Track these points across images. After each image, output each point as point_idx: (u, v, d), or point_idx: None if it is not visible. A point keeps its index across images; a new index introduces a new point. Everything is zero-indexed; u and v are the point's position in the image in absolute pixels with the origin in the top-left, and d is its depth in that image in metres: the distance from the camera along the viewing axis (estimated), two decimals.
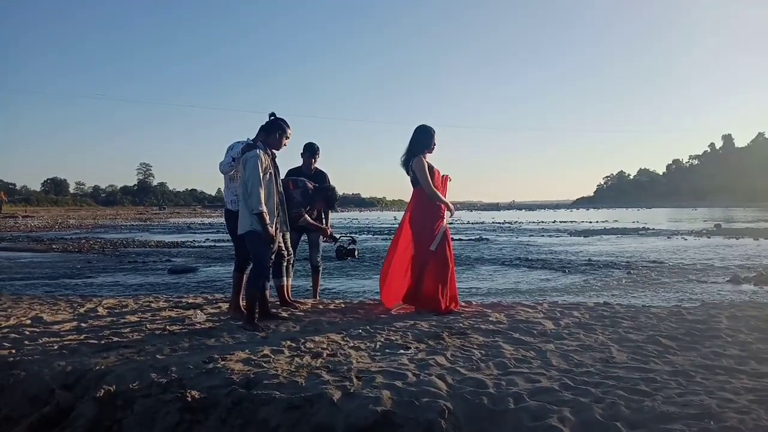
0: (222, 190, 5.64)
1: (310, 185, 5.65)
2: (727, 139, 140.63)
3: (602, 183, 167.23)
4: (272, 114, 4.92)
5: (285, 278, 5.66)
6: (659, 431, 2.65)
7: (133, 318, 5.33)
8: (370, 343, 4.18)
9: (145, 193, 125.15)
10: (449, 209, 5.47)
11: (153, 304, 6.13)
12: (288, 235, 5.51)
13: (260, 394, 3.17)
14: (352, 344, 4.16)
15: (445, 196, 5.49)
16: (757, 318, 5.03)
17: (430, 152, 5.49)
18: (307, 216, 5.68)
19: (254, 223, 4.62)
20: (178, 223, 39.61)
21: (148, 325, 4.92)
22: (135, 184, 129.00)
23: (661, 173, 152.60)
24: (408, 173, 5.50)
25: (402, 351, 3.96)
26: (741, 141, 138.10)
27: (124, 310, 5.81)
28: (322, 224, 5.95)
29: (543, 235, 23.48)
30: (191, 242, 20.35)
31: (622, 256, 13.90)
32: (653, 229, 26.16)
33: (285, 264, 5.60)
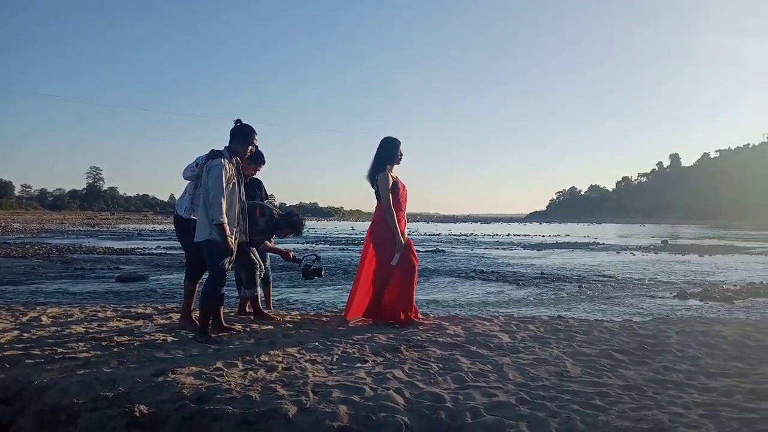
0: (176, 196, 5.50)
1: (276, 213, 5.52)
2: (674, 158, 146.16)
3: (555, 198, 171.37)
4: (237, 120, 4.80)
5: (257, 289, 5.56)
6: None
7: (79, 328, 5.11)
8: (327, 357, 4.11)
9: (94, 198, 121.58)
10: (399, 238, 5.26)
11: (100, 314, 5.90)
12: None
13: (212, 409, 3.06)
14: (308, 357, 4.08)
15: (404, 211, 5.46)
16: (705, 333, 5.18)
17: (398, 164, 5.45)
18: (267, 242, 5.62)
19: (213, 232, 4.50)
20: (129, 230, 38.55)
21: (94, 336, 4.72)
22: (84, 188, 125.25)
23: (611, 190, 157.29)
24: (373, 186, 5.43)
25: (359, 364, 3.91)
26: (687, 160, 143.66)
27: (69, 319, 5.57)
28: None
29: (498, 248, 23.79)
30: (141, 249, 19.81)
31: (574, 270, 14.19)
32: (603, 244, 26.85)
33: (258, 274, 5.47)
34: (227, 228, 4.49)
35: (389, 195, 5.30)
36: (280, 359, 4.02)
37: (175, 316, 5.63)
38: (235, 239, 4.67)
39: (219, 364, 3.84)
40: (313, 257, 5.99)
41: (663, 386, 3.58)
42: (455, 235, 36.19)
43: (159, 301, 8.09)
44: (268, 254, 6.01)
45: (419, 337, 4.80)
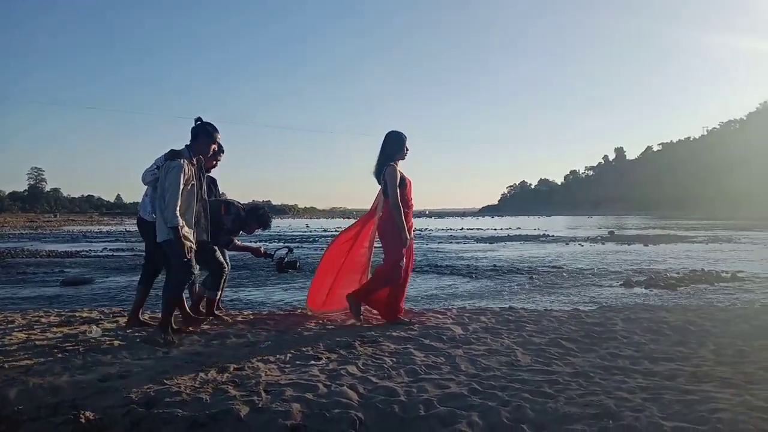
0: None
1: (242, 210, 5.41)
2: (620, 151, 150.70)
3: (506, 192, 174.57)
4: (198, 119, 4.68)
5: (219, 292, 5.48)
6: None
7: (21, 335, 4.90)
8: (280, 355, 4.07)
9: (36, 199, 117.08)
10: (405, 236, 5.17)
11: (43, 319, 5.67)
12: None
13: (161, 413, 2.99)
14: (261, 357, 4.03)
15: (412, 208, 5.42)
16: (649, 320, 5.36)
17: (403, 159, 5.33)
18: (236, 241, 5.53)
19: (171, 233, 4.42)
20: (73, 232, 37.27)
21: (37, 342, 4.54)
22: (25, 190, 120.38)
23: (560, 183, 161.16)
24: (379, 182, 5.30)
25: (313, 362, 3.89)
26: (632, 154, 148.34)
27: (10, 326, 5.34)
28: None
29: (452, 242, 24.04)
30: (87, 252, 19.19)
31: (525, 262, 14.47)
32: (553, 235, 27.49)
33: (224, 277, 5.37)
34: (182, 230, 4.41)
35: (397, 191, 5.16)
36: (232, 359, 3.95)
37: (123, 320, 5.47)
38: (194, 239, 4.59)
39: (168, 367, 3.75)
40: (285, 250, 5.90)
41: (609, 372, 3.69)
42: None
43: (105, 304, 7.85)
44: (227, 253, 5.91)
45: (373, 333, 4.80)
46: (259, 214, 5.46)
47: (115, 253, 18.06)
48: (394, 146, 5.27)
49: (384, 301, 5.34)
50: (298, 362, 3.90)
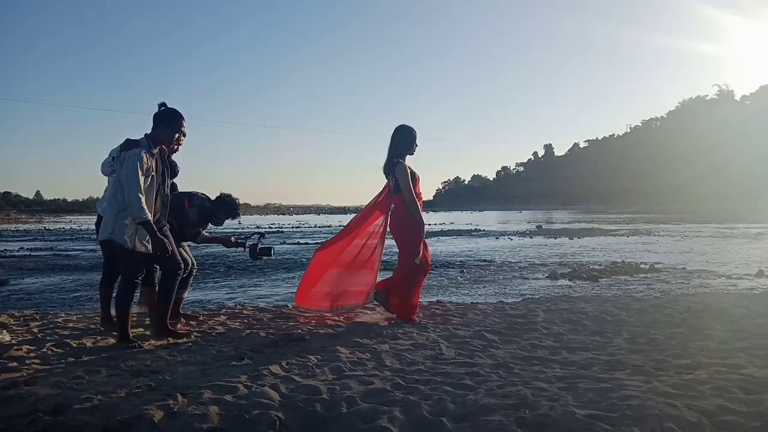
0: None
1: (207, 201, 5.18)
2: (548, 148, 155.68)
3: (441, 188, 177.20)
4: (162, 104, 4.29)
5: (186, 291, 5.26)
6: (481, 423, 2.78)
7: None
8: (201, 357, 3.95)
9: None
10: (423, 230, 5.16)
11: None
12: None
13: (70, 421, 2.84)
14: (180, 359, 3.90)
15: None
16: (569, 311, 5.55)
17: (412, 154, 5.24)
18: (204, 233, 5.29)
19: (115, 231, 4.09)
20: None
21: None
22: None
23: (492, 179, 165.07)
24: (388, 178, 5.20)
25: (235, 362, 3.80)
26: (560, 150, 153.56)
27: None
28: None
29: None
30: (2, 252, 18.10)
31: (457, 256, 14.71)
32: (484, 230, 28.09)
33: (192, 276, 5.17)
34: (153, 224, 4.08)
35: (411, 185, 5.08)
36: (148, 363, 3.80)
37: (34, 324, 5.18)
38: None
39: (80, 372, 3.58)
40: (257, 236, 5.63)
41: (529, 362, 3.79)
42: None
43: (17, 307, 7.41)
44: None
45: (300, 331, 4.75)
46: (226, 202, 5.24)
47: (32, 253, 17.11)
48: (404, 142, 5.20)
49: (399, 297, 5.23)
50: (219, 363, 3.80)
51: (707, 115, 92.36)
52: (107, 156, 4.61)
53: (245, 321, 5.23)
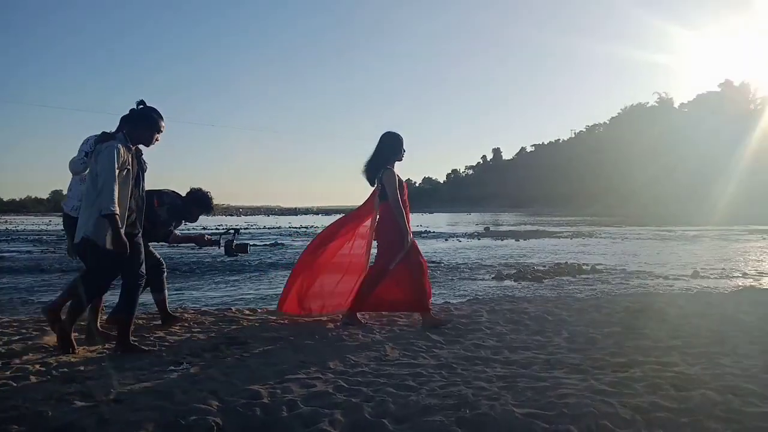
0: (67, 191, 4.58)
1: (178, 198, 4.98)
2: (497, 152, 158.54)
3: None
4: (141, 102, 4.07)
5: (165, 291, 5.06)
6: (422, 424, 2.78)
7: None
8: (137, 362, 3.82)
9: None
10: (408, 239, 5.07)
11: None
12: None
13: None
14: (114, 364, 3.76)
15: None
16: (512, 311, 5.65)
17: (400, 160, 5.19)
18: (176, 232, 5.08)
19: (94, 230, 3.81)
20: None
21: None
22: None
23: (442, 181, 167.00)
24: (372, 183, 5.16)
25: (173, 367, 3.69)
26: (508, 154, 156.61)
27: None
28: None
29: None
30: None
31: None
32: (434, 232, 28.34)
33: (164, 275, 4.98)
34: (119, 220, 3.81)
35: (398, 193, 5.03)
36: (81, 368, 3.66)
37: None
38: (125, 237, 3.92)
39: (8, 378, 3.40)
40: (232, 232, 5.45)
41: (471, 362, 3.83)
42: (296, 227, 35.98)
43: None
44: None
45: (242, 334, 4.66)
46: (198, 197, 5.04)
47: None
48: (392, 148, 5.16)
49: (406, 298, 5.16)
50: (156, 368, 3.68)
51: (648, 121, 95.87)
52: (77, 154, 4.35)
53: (185, 325, 5.09)
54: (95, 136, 4.15)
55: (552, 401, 2.99)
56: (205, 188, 5.14)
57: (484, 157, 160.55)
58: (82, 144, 4.38)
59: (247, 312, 5.65)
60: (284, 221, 47.55)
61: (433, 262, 13.37)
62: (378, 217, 5.20)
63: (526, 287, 8.89)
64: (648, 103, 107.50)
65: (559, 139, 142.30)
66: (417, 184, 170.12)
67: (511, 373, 3.55)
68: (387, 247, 5.14)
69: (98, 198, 3.77)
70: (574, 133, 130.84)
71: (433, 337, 4.52)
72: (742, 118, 68.38)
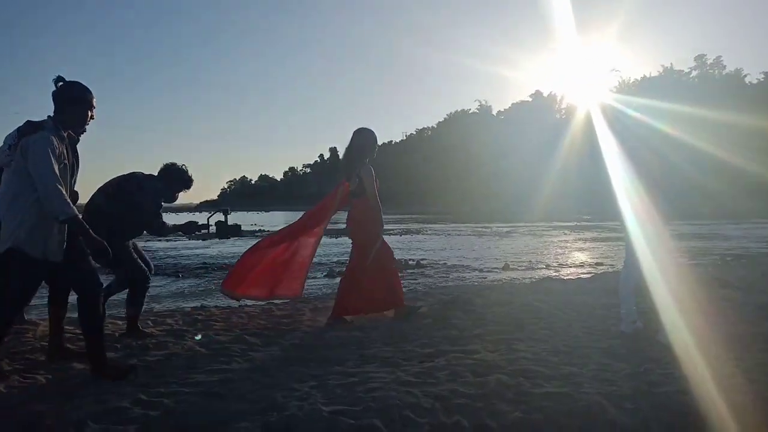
0: None
1: (154, 180, 4.45)
2: (333, 151, 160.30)
3: (226, 187, 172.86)
4: (59, 78, 3.27)
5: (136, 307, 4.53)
6: None
7: None
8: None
9: None
10: (381, 235, 5.17)
11: None
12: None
13: None
14: None
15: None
16: (328, 308, 5.65)
17: (373, 158, 5.24)
18: (167, 223, 4.55)
19: (23, 238, 3.14)
20: None
21: None
22: None
23: (279, 179, 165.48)
24: (349, 180, 5.15)
25: None
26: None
27: None
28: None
29: (161, 240, 22.71)
30: None
31: (228, 258, 14.35)
32: (269, 230, 27.89)
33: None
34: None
35: (375, 190, 5.06)
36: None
37: None
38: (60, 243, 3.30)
39: None
40: (222, 212, 5.04)
41: (287, 363, 3.78)
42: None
43: None
44: None
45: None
46: (174, 173, 4.58)
47: None
48: (367, 145, 5.23)
49: (381, 296, 5.17)
50: None
51: (470, 126, 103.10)
52: (3, 145, 3.41)
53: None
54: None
55: (360, 396, 3.04)
56: (178, 163, 4.71)
57: (321, 155, 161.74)
58: (7, 138, 3.45)
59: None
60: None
61: None
62: (352, 211, 5.31)
63: None
64: (470, 109, 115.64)
65: (391, 141, 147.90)
66: (253, 182, 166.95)
67: (325, 372, 3.55)
68: (362, 243, 5.20)
69: (46, 204, 3.14)
70: (405, 136, 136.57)
71: (250, 339, 4.40)
72: (552, 126, 76.07)
